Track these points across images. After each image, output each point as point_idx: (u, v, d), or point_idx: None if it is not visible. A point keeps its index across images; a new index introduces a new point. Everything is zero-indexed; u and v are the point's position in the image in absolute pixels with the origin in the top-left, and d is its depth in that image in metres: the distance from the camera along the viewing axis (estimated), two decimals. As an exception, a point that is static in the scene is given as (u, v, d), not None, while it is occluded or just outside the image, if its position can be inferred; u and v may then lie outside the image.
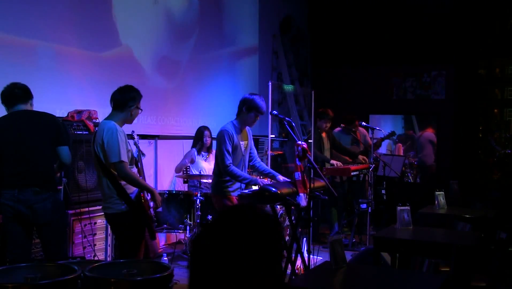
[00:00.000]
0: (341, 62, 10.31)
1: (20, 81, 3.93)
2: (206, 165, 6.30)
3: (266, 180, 4.56)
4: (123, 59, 6.10)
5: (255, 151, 4.82)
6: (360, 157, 6.82)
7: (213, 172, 4.68)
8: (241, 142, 4.57)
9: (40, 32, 5.06)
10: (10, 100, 3.83)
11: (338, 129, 7.37)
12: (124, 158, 3.62)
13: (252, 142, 4.80)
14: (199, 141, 6.31)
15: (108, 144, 3.60)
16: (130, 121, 3.86)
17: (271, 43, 9.43)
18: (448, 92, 9.72)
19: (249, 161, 4.73)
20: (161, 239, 6.63)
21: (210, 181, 6.15)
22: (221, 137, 4.46)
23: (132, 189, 3.73)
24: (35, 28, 5.01)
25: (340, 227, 6.96)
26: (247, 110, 4.53)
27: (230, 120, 4.64)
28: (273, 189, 3.91)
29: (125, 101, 3.76)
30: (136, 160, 4.06)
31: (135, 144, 4.73)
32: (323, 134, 6.79)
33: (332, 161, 6.60)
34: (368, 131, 7.03)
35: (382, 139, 7.56)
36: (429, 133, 9.83)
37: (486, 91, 9.84)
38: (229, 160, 4.40)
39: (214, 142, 6.40)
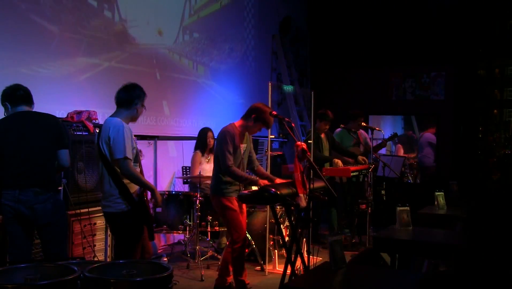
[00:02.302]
0: (341, 63, 10.31)
1: (20, 81, 3.94)
2: (209, 167, 6.28)
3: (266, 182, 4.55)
4: (123, 59, 6.10)
5: (254, 155, 4.81)
6: (360, 158, 6.82)
7: (213, 173, 4.66)
8: (241, 145, 4.57)
9: (40, 31, 5.07)
10: (14, 100, 3.83)
11: (339, 129, 7.26)
12: (129, 154, 3.61)
13: (252, 145, 4.79)
14: (203, 142, 6.28)
15: (114, 140, 3.60)
16: (135, 119, 3.86)
17: (271, 43, 9.44)
18: (447, 92, 9.73)
19: (248, 164, 4.72)
20: (161, 240, 6.63)
21: (208, 182, 6.16)
22: (223, 137, 4.45)
23: (134, 188, 3.72)
24: (36, 28, 5.01)
25: (340, 228, 6.96)
26: (255, 120, 4.51)
27: (231, 121, 4.62)
28: (273, 190, 3.90)
29: (131, 98, 3.76)
30: (139, 160, 4.06)
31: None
32: (322, 135, 6.79)
33: (335, 160, 6.60)
34: (368, 132, 7.01)
35: (386, 140, 7.56)
36: (429, 134, 9.83)
37: (486, 92, 9.85)
38: (230, 160, 4.39)
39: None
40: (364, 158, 6.82)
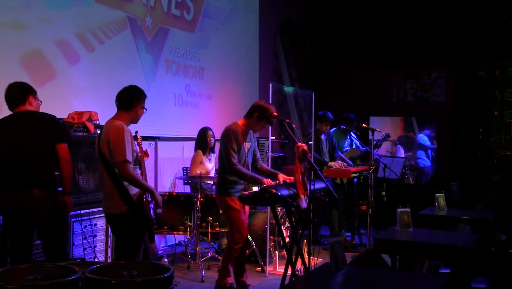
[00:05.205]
0: (341, 64, 10.32)
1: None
2: (211, 166, 6.28)
3: (270, 181, 4.56)
4: (124, 60, 6.10)
5: (258, 154, 4.82)
6: (331, 163, 6.59)
7: (218, 172, 4.68)
8: (245, 143, 4.58)
9: (41, 31, 5.07)
10: (11, 104, 3.87)
11: (335, 129, 7.25)
12: (129, 157, 3.62)
13: (256, 144, 4.80)
14: (203, 142, 6.28)
15: (115, 143, 3.61)
16: (136, 120, 3.88)
17: (272, 44, 9.44)
18: (448, 94, 9.74)
19: (253, 162, 4.73)
20: (162, 241, 6.64)
21: (209, 182, 6.16)
22: (227, 136, 4.46)
23: (134, 190, 3.73)
24: (36, 28, 5.02)
25: (340, 229, 6.95)
26: (258, 118, 4.52)
27: (233, 120, 4.63)
28: (273, 191, 3.91)
29: (131, 101, 3.78)
30: (139, 161, 4.06)
31: (139, 145, 4.73)
32: (323, 136, 6.79)
33: (331, 164, 6.58)
34: (368, 133, 7.00)
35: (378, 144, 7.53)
36: (421, 136, 9.84)
37: (486, 93, 9.85)
38: (235, 158, 4.40)
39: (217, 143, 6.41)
40: (338, 163, 6.60)
